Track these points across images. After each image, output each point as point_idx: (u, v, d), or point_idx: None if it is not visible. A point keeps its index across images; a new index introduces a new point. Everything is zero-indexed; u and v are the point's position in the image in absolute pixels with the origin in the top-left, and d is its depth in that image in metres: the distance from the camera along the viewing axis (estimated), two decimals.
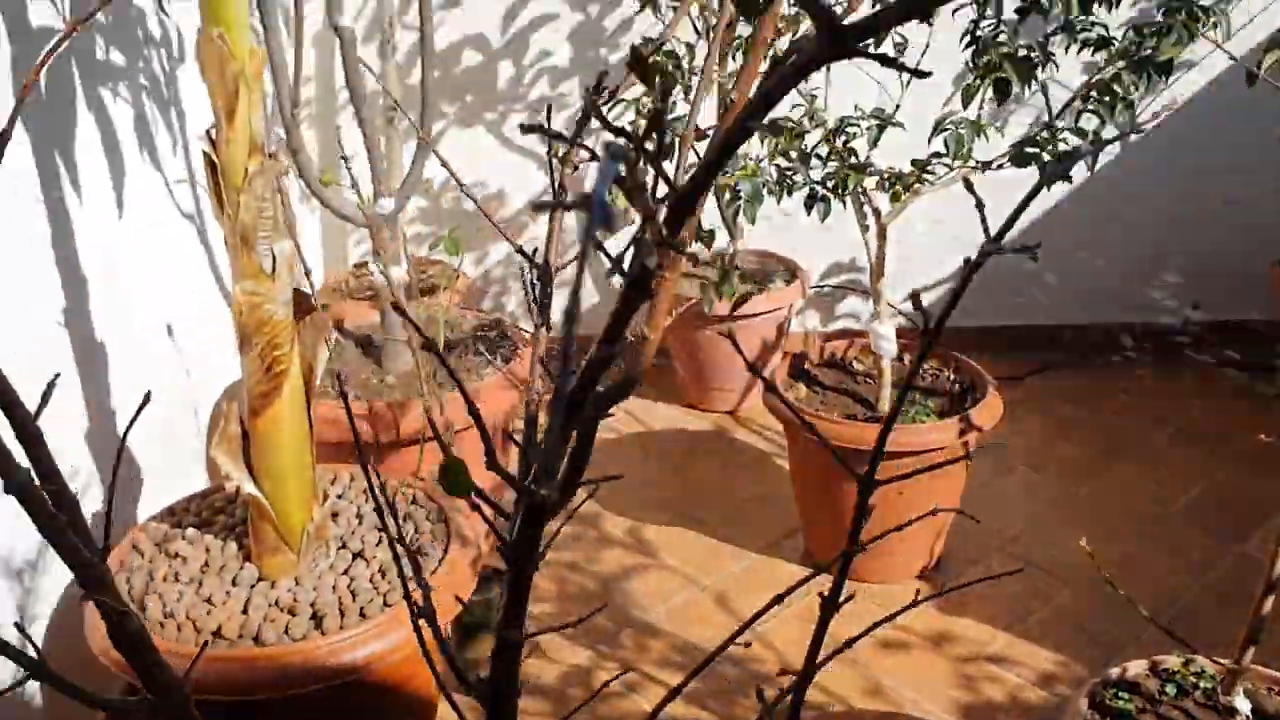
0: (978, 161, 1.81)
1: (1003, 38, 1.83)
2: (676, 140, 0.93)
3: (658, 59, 2.07)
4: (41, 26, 1.70)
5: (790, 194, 1.92)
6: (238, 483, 1.51)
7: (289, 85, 1.96)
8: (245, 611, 1.49)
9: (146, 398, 0.66)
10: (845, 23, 0.39)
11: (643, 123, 2.33)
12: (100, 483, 1.85)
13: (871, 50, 0.39)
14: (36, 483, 0.58)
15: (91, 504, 1.85)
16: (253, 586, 1.55)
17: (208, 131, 1.41)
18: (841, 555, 0.70)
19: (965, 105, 1.82)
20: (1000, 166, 1.81)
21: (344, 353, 2.36)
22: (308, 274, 1.99)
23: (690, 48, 2.44)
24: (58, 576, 1.71)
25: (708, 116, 2.19)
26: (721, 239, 2.63)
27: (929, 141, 1.83)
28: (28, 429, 0.57)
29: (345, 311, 2.77)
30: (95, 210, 1.84)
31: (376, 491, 1.11)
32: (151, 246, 2.02)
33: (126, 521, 1.95)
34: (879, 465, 0.71)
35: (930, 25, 2.04)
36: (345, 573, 1.58)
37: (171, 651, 1.42)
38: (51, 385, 0.63)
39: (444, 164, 1.60)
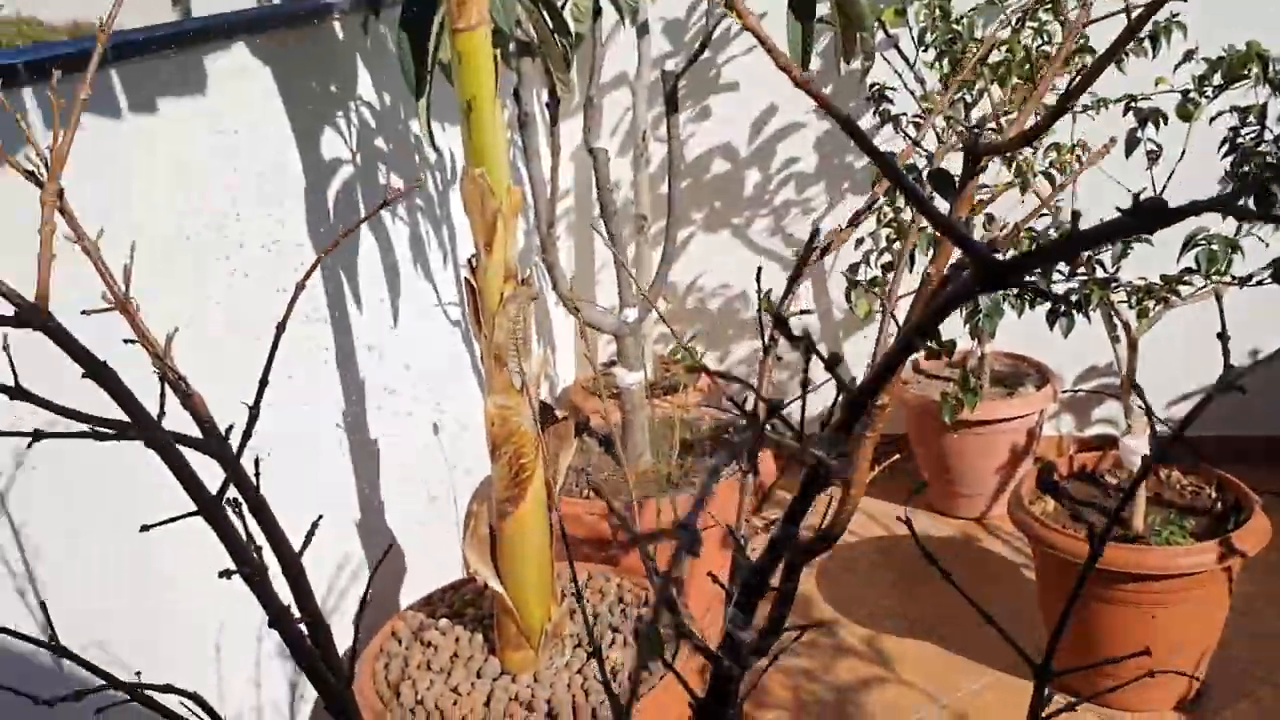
0: (1234, 276, 1.73)
1: (1266, 147, 1.76)
2: (884, 305, 0.96)
3: None
4: (333, 157, 1.92)
5: (1033, 307, 1.89)
6: (485, 580, 1.62)
7: (546, 204, 2.11)
8: (487, 704, 1.59)
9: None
10: (1000, 259, 0.42)
11: (884, 234, 2.36)
12: (368, 568, 2.02)
13: (1027, 281, 0.42)
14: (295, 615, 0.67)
15: (359, 586, 2.01)
16: (495, 680, 1.64)
17: (469, 260, 1.54)
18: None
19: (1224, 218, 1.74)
20: (1260, 282, 1.72)
21: (589, 451, 2.47)
22: (555, 371, 2.12)
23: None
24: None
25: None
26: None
27: (1178, 259, 1.76)
28: (292, 564, 0.66)
29: (592, 409, 2.90)
30: (373, 320, 2.03)
31: (584, 607, 1.16)
32: (422, 352, 2.21)
33: (390, 605, 2.11)
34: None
35: (1188, 125, 1.98)
36: (579, 671, 1.66)
37: None
38: (315, 526, 0.73)
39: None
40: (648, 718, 1.59)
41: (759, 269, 1.02)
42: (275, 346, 0.75)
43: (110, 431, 0.57)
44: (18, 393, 0.62)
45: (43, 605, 0.69)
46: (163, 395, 0.64)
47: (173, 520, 0.62)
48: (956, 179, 0.70)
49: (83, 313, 0.72)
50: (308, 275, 0.77)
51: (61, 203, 0.70)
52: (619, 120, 3.05)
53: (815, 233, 0.88)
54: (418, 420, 2.21)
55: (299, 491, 1.81)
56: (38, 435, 0.56)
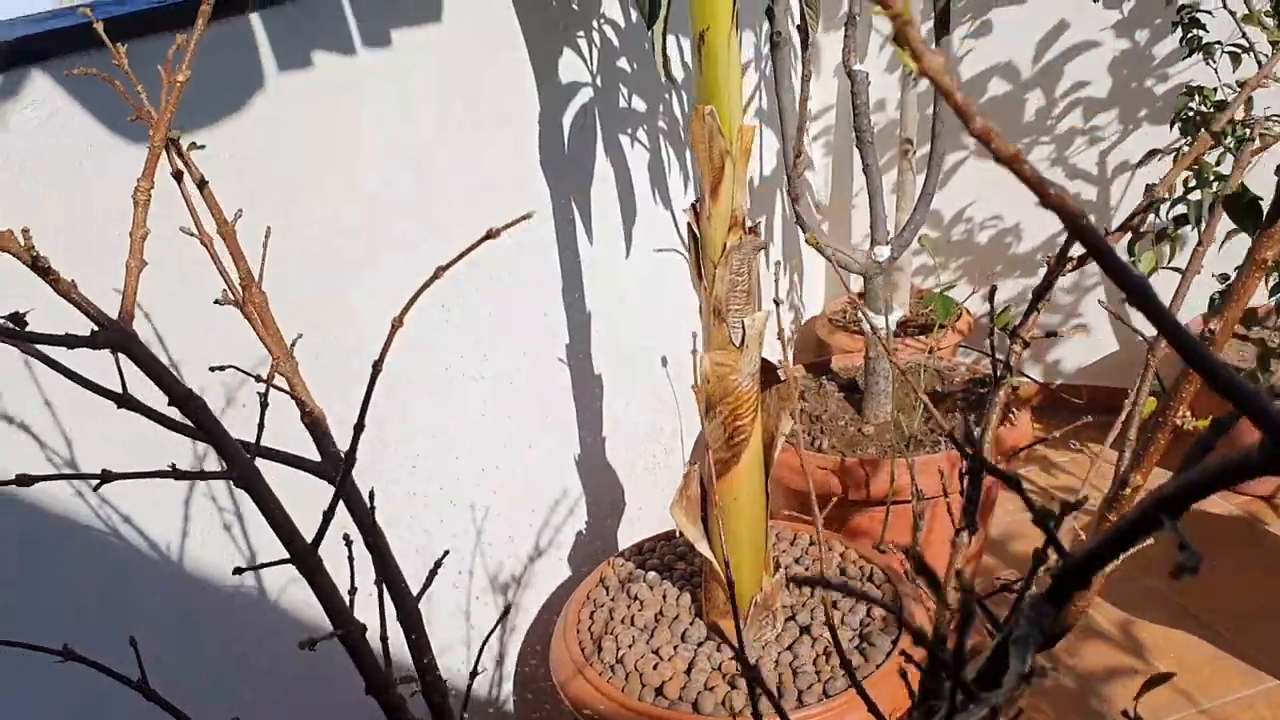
0: None
1: None
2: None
3: (1203, 109, 1.79)
4: (570, 81, 1.83)
5: None
6: (693, 542, 1.53)
7: (795, 133, 1.95)
8: (688, 672, 1.52)
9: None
10: None
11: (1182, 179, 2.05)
12: (585, 506, 1.99)
13: None
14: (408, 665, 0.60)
15: (576, 523, 1.99)
16: (699, 646, 1.57)
17: (693, 205, 1.43)
18: None
19: None
20: None
21: (827, 396, 2.33)
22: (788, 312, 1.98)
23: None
24: None
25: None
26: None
27: None
28: (409, 610, 0.59)
29: (838, 345, 2.75)
30: (605, 249, 1.96)
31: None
32: (653, 284, 2.12)
33: (608, 543, 2.07)
34: None
35: None
36: (789, 648, 1.56)
37: (615, 700, 1.48)
38: (438, 565, 0.65)
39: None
40: (889, 683, 1.47)
41: (993, 288, 0.85)
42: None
43: (193, 472, 0.51)
44: (125, 401, 0.56)
45: (132, 642, 0.65)
46: (261, 419, 0.57)
47: (264, 566, 0.55)
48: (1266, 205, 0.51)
49: (215, 302, 0.66)
50: (419, 293, 0.68)
51: (203, 192, 0.63)
52: (884, 41, 2.81)
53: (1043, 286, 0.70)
54: (647, 357, 2.14)
55: (527, 420, 1.78)
56: (106, 477, 0.51)
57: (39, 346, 0.50)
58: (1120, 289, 0.29)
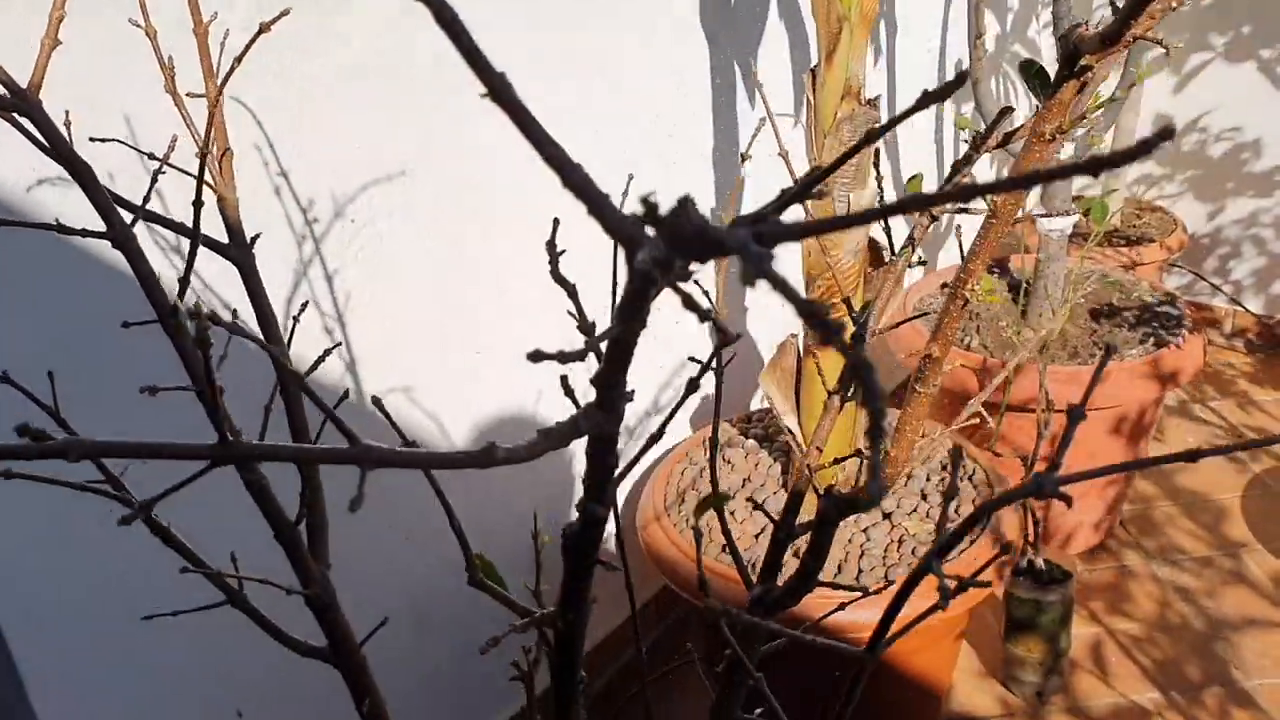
0: None
1: None
2: None
3: None
4: None
5: None
6: (780, 415, 1.54)
7: (975, 12, 1.85)
8: (757, 538, 1.55)
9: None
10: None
11: None
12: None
13: None
14: None
15: (705, 385, 2.02)
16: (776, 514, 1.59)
17: (812, 70, 1.39)
18: None
19: None
20: None
21: (996, 294, 2.24)
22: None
23: None
24: None
25: None
26: None
27: None
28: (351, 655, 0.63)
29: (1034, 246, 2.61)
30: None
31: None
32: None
33: (733, 409, 2.10)
34: None
35: None
36: (865, 530, 1.55)
37: (680, 550, 1.53)
38: (380, 626, 0.70)
39: None
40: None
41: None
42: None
43: (72, 228, 0.57)
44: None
45: None
46: (148, 193, 0.62)
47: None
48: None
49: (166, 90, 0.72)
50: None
51: None
52: None
53: None
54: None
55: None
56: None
57: None
58: None
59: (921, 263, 0.90)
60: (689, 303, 0.28)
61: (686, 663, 1.59)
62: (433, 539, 1.45)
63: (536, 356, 0.31)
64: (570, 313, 0.44)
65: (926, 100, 0.30)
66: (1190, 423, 2.53)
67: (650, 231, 0.28)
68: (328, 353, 0.68)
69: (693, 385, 0.63)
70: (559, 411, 1.65)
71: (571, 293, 0.46)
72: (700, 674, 1.68)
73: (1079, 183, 2.83)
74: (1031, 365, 1.93)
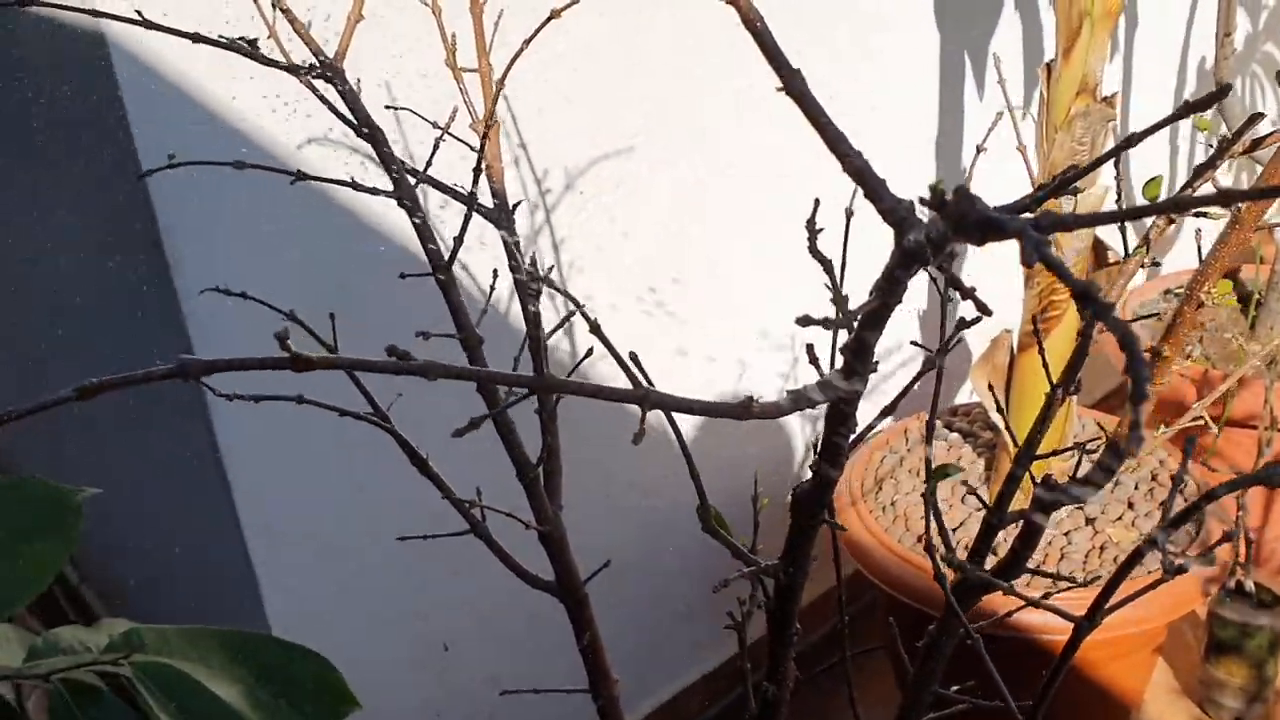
0: None
1: None
2: None
3: None
4: None
5: None
6: (988, 409, 1.54)
7: (1224, 8, 1.77)
8: (955, 531, 1.55)
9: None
10: None
11: None
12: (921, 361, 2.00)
13: None
14: None
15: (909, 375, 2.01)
16: (977, 510, 1.59)
17: (1047, 64, 1.38)
18: None
19: None
20: None
21: (1220, 306, 2.14)
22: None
23: None
24: None
25: None
26: None
27: None
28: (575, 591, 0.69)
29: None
30: (988, 105, 1.91)
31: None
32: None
33: (942, 396, 2.08)
34: None
35: None
36: (1066, 534, 1.53)
37: (875, 537, 1.55)
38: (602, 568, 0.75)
39: None
40: (1157, 593, 1.43)
41: None
42: None
43: (365, 186, 0.65)
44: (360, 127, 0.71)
45: None
46: (431, 156, 0.68)
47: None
48: None
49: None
50: None
51: None
52: None
53: None
54: None
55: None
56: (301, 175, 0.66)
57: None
58: None
59: (1155, 264, 0.89)
60: (954, 281, 0.32)
61: (880, 647, 1.61)
62: (649, 493, 1.52)
63: (805, 321, 0.35)
64: (826, 285, 0.48)
65: (1187, 110, 0.32)
66: None
67: (923, 214, 0.32)
68: (571, 313, 0.75)
69: (929, 363, 0.66)
70: (760, 386, 1.69)
71: (828, 268, 0.50)
72: (890, 658, 1.69)
73: None
74: (1257, 379, 1.85)
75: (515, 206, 0.73)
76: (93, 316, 1.34)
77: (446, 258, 0.66)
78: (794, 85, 0.32)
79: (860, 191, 0.33)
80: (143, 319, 1.12)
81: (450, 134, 0.74)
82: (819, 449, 0.47)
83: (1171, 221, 0.65)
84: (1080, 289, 0.23)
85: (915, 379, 0.68)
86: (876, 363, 0.43)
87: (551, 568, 0.72)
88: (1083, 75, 1.34)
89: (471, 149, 0.77)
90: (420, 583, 1.31)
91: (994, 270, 2.01)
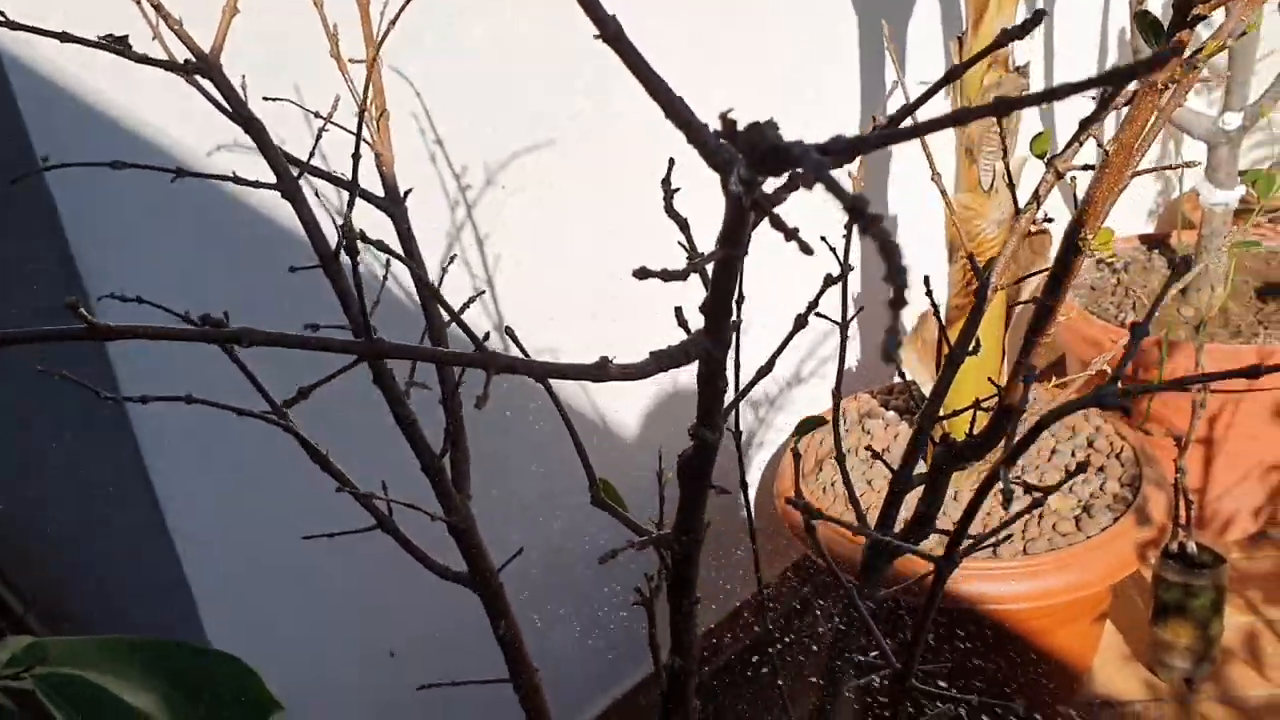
0: None
1: None
2: None
3: None
4: None
5: None
6: (921, 384, 1.54)
7: None
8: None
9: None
10: None
11: None
12: (859, 341, 2.02)
13: None
14: None
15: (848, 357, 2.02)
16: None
17: (958, 37, 1.38)
18: None
19: None
20: None
21: (1152, 272, 2.17)
22: None
23: None
24: None
25: None
26: None
27: None
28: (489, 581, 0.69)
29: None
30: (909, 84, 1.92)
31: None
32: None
33: (873, 382, 2.10)
34: None
35: None
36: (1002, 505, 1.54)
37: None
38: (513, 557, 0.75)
39: None
40: (1095, 557, 1.45)
41: None
42: None
43: (246, 180, 0.63)
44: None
45: None
46: (314, 148, 0.68)
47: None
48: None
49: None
50: None
51: None
52: None
53: None
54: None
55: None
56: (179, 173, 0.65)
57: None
58: None
59: (1049, 220, 0.90)
60: (777, 222, 0.31)
61: (816, 619, 1.61)
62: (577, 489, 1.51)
63: (642, 274, 0.34)
64: (681, 243, 0.47)
65: (1005, 38, 0.32)
66: None
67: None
68: (473, 298, 0.74)
69: (801, 321, 0.65)
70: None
71: (683, 225, 0.49)
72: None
73: (1250, 156, 2.71)
74: (1188, 343, 1.87)
75: (406, 194, 0.72)
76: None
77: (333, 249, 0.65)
78: (609, 31, 0.32)
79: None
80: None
81: (334, 123, 0.73)
82: (697, 412, 0.47)
83: (1060, 176, 0.66)
84: (849, 202, 0.23)
85: (789, 337, 0.67)
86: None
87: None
88: None
89: (369, 143, 0.76)
90: (364, 583, 1.29)
91: (931, 246, 2.02)
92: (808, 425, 0.67)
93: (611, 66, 1.16)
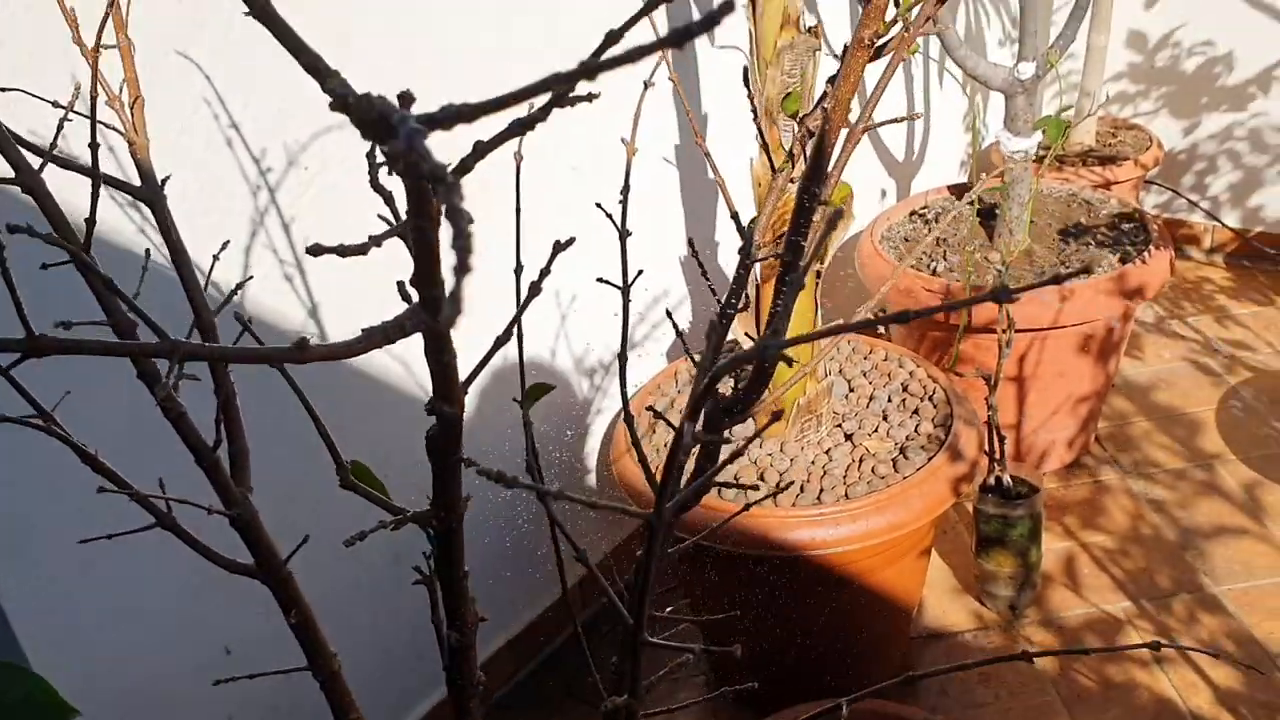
0: None
1: None
2: None
3: None
4: None
5: None
6: (740, 343, 1.58)
7: None
8: (729, 461, 1.58)
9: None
10: None
11: None
12: (690, 307, 2.05)
13: None
14: None
15: (679, 322, 2.05)
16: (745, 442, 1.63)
17: (751, 0, 1.41)
18: None
19: None
20: None
21: (963, 220, 2.26)
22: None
23: None
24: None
25: None
26: None
27: None
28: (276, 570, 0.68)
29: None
30: (720, 51, 1.95)
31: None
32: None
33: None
34: None
35: None
36: (827, 452, 1.59)
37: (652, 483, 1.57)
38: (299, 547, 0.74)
39: None
40: (912, 496, 1.50)
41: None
42: None
43: None
44: None
45: None
46: (56, 135, 0.66)
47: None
48: None
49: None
50: None
51: None
52: None
53: None
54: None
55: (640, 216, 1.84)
56: None
57: None
58: None
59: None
60: (375, 185, 0.32)
61: (674, 587, 1.63)
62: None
63: (316, 250, 0.34)
64: (381, 216, 0.47)
65: (647, 8, 0.32)
66: (1167, 338, 2.56)
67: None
68: (239, 286, 0.72)
69: (535, 288, 0.66)
70: (592, 353, 1.69)
71: (388, 199, 0.49)
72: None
73: (1053, 106, 2.83)
74: (991, 286, 1.96)
75: (164, 181, 0.70)
76: None
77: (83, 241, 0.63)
78: (257, 6, 0.31)
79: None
80: None
81: (77, 112, 0.71)
82: (433, 387, 0.47)
83: (810, 134, 0.67)
84: (428, 170, 0.23)
85: (525, 304, 0.68)
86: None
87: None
88: (784, 8, 1.37)
89: (119, 131, 0.74)
90: (189, 582, 1.26)
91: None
92: (536, 393, 0.67)
93: (397, 49, 1.14)
